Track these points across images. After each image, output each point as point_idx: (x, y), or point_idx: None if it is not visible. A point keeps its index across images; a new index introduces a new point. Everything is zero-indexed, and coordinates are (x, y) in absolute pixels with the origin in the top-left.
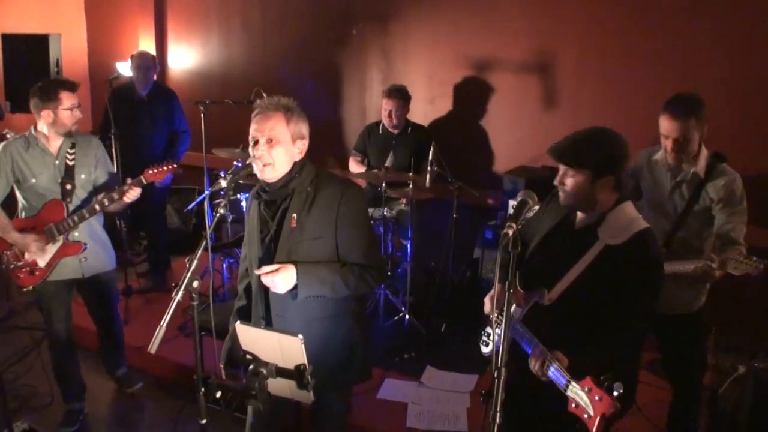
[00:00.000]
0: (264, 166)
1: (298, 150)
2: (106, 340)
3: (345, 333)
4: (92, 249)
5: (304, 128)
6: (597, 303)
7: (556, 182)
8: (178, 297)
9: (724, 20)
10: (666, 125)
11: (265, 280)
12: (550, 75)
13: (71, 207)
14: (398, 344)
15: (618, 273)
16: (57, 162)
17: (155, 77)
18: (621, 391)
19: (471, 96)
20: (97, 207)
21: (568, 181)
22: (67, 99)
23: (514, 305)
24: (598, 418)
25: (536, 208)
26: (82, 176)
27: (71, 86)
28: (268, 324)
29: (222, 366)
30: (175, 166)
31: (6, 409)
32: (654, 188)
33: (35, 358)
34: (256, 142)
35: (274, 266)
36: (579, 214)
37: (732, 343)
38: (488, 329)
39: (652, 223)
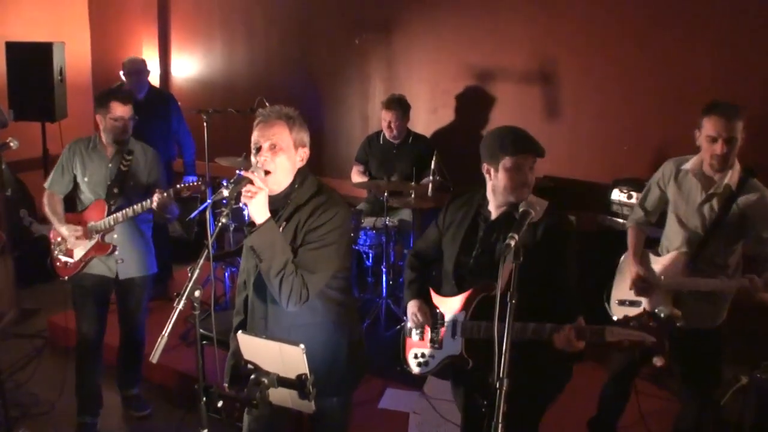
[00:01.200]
0: (266, 174)
1: (299, 158)
2: (125, 350)
3: (326, 340)
4: (131, 253)
5: (305, 136)
6: (539, 276)
7: (521, 181)
8: (180, 306)
9: (723, 33)
10: (718, 125)
11: (251, 186)
12: (551, 85)
13: (113, 209)
14: (400, 354)
15: (544, 242)
16: (110, 165)
17: (149, 81)
18: (668, 311)
19: (473, 106)
20: (129, 213)
21: (531, 173)
22: (115, 108)
23: (451, 312)
24: (665, 336)
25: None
26: (131, 183)
27: (122, 98)
28: (252, 327)
29: (226, 386)
30: (198, 183)
31: (7, 417)
32: (681, 200)
33: (37, 367)
34: (258, 149)
35: (265, 189)
36: (492, 208)
37: (734, 353)
38: (415, 350)
39: (675, 235)
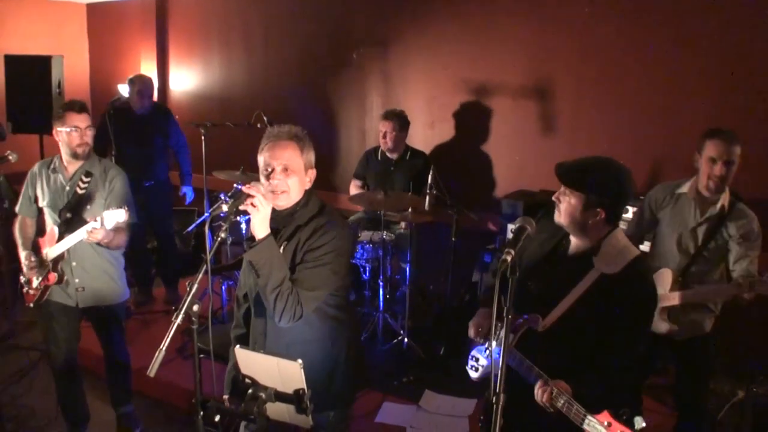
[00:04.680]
0: (280, 193)
1: (309, 179)
2: (109, 371)
3: (324, 357)
4: (92, 282)
5: (313, 157)
6: (592, 331)
7: (554, 197)
8: (178, 320)
9: (721, 49)
10: (720, 148)
11: (257, 199)
12: (548, 100)
13: (65, 236)
14: (397, 368)
15: (614, 302)
16: (68, 188)
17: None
18: (643, 425)
19: (470, 120)
20: (67, 243)
21: (563, 199)
22: (70, 119)
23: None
24: None
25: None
26: (88, 207)
27: (77, 107)
28: (261, 346)
29: (227, 397)
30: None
31: (3, 431)
32: (676, 221)
33: (33, 379)
34: (271, 171)
35: (269, 206)
36: (573, 240)
37: (731, 368)
38: (475, 354)
39: (669, 255)
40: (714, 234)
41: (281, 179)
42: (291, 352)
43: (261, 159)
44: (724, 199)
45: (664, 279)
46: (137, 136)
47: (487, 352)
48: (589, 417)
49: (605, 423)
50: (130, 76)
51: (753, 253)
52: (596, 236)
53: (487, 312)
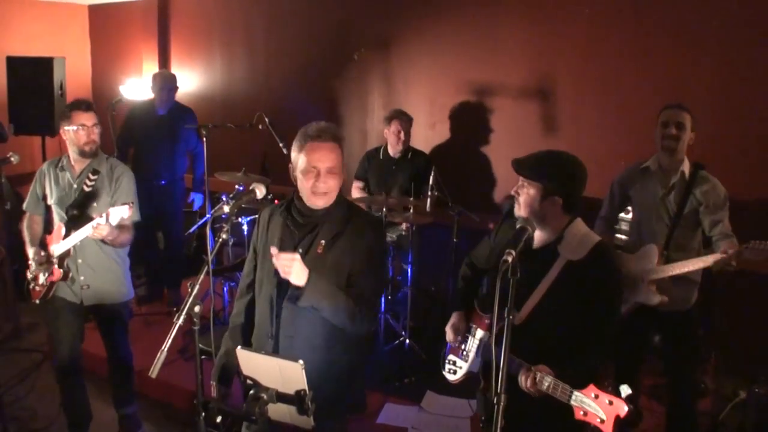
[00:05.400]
0: (323, 194)
1: (341, 179)
2: (112, 371)
3: (346, 363)
4: (97, 280)
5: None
6: (565, 317)
7: (512, 192)
8: (180, 321)
9: (722, 49)
10: (669, 113)
11: (282, 263)
12: (549, 100)
13: (72, 233)
14: (398, 369)
15: (583, 286)
16: (75, 186)
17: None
18: (629, 392)
19: (471, 121)
20: (73, 240)
21: (522, 191)
22: (77, 118)
23: (481, 330)
24: (613, 421)
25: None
26: (95, 204)
27: (83, 106)
28: (276, 343)
29: (213, 383)
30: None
31: None
32: (645, 195)
33: (35, 381)
34: (317, 173)
35: (296, 256)
36: (536, 234)
37: (733, 368)
38: (451, 357)
39: (650, 231)
40: (684, 202)
41: (327, 182)
42: (315, 355)
43: (302, 158)
44: (685, 167)
45: (651, 254)
46: (157, 135)
47: (464, 353)
48: (576, 392)
49: (592, 395)
50: (153, 73)
51: (723, 216)
52: (557, 226)
53: (461, 314)
